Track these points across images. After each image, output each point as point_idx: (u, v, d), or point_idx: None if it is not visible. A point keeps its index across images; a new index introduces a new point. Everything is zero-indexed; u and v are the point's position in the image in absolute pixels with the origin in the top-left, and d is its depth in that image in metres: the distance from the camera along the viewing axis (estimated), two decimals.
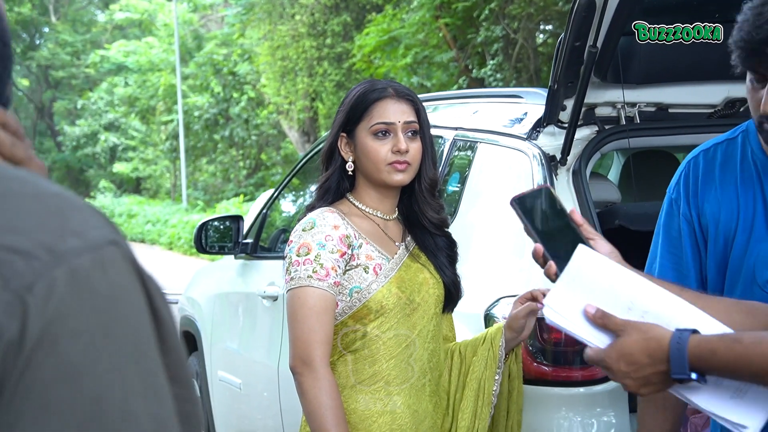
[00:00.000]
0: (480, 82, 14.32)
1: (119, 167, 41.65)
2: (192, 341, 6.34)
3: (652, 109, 3.72)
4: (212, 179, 35.13)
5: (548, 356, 3.21)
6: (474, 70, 14.80)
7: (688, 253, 2.45)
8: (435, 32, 15.04)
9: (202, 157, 34.90)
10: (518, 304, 3.08)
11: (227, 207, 27.50)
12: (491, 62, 14.45)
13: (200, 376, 6.08)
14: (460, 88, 14.34)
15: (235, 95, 32.85)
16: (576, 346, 3.20)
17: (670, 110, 3.77)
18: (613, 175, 5.43)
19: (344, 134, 3.06)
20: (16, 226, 1.01)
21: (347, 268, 2.96)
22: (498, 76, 14.33)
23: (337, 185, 3.09)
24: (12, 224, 1.01)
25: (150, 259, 26.36)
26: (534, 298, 3.05)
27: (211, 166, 34.49)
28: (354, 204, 3.08)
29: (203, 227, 5.57)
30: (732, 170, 2.39)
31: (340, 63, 21.89)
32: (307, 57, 22.99)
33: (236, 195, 31.12)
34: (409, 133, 3.01)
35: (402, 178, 3.01)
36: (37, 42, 55.82)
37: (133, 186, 43.10)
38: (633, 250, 3.73)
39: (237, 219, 5.59)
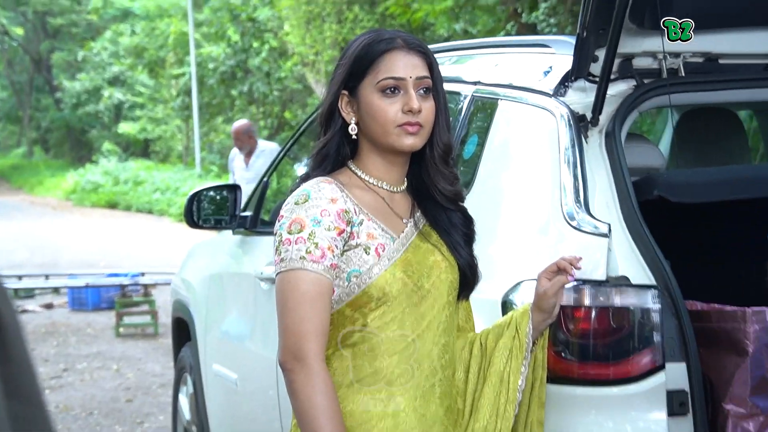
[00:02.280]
0: (531, 28, 14.20)
1: (125, 127, 41.89)
2: (185, 329, 6.33)
3: (700, 59, 3.63)
4: (229, 141, 35.17)
5: (574, 350, 3.16)
6: (524, 14, 14.70)
7: None
8: None
9: (217, 116, 35.03)
10: (544, 280, 3.09)
11: None
12: (544, 4, 14.34)
13: (194, 370, 6.08)
14: (508, 34, 14.24)
15: (255, 45, 32.86)
16: (607, 337, 3.18)
17: (720, 61, 3.68)
18: (665, 139, 5.34)
19: (346, 92, 3.00)
20: None
21: (345, 248, 2.91)
22: (552, 20, 14.21)
23: (336, 151, 3.02)
24: None
25: (158, 232, 26.53)
26: (561, 269, 3.06)
27: (228, 126, 34.56)
28: (356, 173, 3.03)
29: (195, 198, 5.53)
30: None
31: (373, 7, 21.85)
32: (336, 1, 22.99)
33: None
34: (422, 91, 2.95)
35: (413, 141, 2.95)
36: None
37: (140, 148, 43.34)
38: (675, 227, 3.69)
39: (234, 188, 5.55)
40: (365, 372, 2.93)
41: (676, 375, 3.12)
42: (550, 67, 3.70)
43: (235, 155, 12.80)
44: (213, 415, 5.79)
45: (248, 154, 12.46)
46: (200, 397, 5.97)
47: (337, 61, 3.10)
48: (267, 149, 12.58)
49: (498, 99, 3.86)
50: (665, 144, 5.16)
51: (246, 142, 12.55)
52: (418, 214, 3.08)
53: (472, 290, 3.14)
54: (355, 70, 2.99)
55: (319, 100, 24.50)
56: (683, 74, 3.59)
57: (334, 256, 2.88)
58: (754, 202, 3.51)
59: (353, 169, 3.04)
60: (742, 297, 3.48)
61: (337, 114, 3.02)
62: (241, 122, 12.96)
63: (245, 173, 12.09)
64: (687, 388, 3.11)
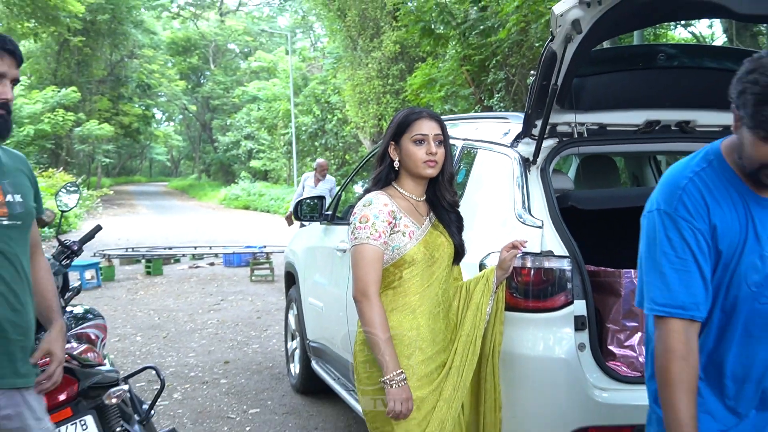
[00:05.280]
0: (489, 109, 14.12)
1: (254, 163, 41.81)
2: (292, 278, 6.32)
3: (596, 127, 3.56)
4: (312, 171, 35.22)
5: (520, 292, 3.11)
6: (485, 101, 14.65)
7: (704, 265, 2.02)
8: (460, 75, 14.83)
9: (307, 157, 34.99)
10: (504, 252, 3.08)
11: None
12: (497, 95, 14.27)
13: (297, 301, 6.06)
14: (476, 112, 14.20)
15: (329, 117, 32.86)
16: (540, 285, 3.15)
17: (608, 128, 3.59)
18: (572, 172, 5.31)
19: (393, 142, 3.01)
20: None
21: (391, 232, 2.90)
22: (501, 105, 14.14)
23: (386, 176, 3.02)
24: None
25: (272, 224, 26.57)
26: (515, 246, 3.06)
27: (312, 163, 34.56)
28: (397, 189, 3.01)
29: (299, 204, 5.53)
30: (724, 194, 2.03)
31: (398, 96, 21.78)
32: (376, 91, 22.91)
33: None
34: (437, 142, 2.97)
35: (432, 171, 2.97)
36: (201, 81, 56.30)
37: (262, 176, 43.26)
38: (580, 223, 3.67)
39: (321, 198, 5.53)
40: (400, 303, 2.93)
41: (579, 307, 3.08)
42: (509, 130, 3.64)
43: (308, 177, 12.32)
44: (308, 325, 5.74)
45: (318, 180, 12.33)
46: (300, 316, 5.93)
47: (389, 125, 3.09)
48: (329, 179, 12.50)
49: (477, 149, 3.83)
50: (571, 175, 5.11)
51: (322, 172, 12.45)
52: (431, 214, 3.06)
53: (461, 259, 3.12)
54: (399, 130, 3.01)
55: (365, 150, 24.56)
56: (585, 135, 3.51)
57: (385, 237, 2.90)
58: (629, 210, 3.46)
59: (396, 187, 3.04)
60: (621, 264, 3.44)
61: (387, 156, 3.03)
62: (323, 160, 12.83)
63: (313, 191, 11.97)
64: (586, 315, 3.07)
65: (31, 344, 2.59)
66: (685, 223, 2.00)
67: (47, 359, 2.65)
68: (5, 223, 2.48)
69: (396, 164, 3.00)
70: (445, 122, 3.10)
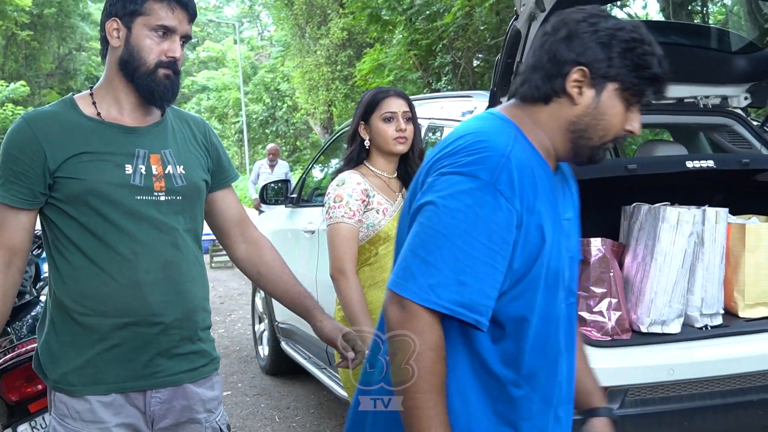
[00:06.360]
0: (437, 92, 14.16)
1: None
2: None
3: None
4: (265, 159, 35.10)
5: None
6: (433, 84, 14.67)
7: (505, 262, 1.45)
8: (408, 60, 14.84)
9: (258, 145, 34.72)
10: None
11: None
12: (444, 78, 14.29)
13: None
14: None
15: (279, 104, 32.62)
16: None
17: None
18: None
19: (362, 122, 2.98)
20: None
21: (365, 210, 2.89)
22: (449, 88, 14.18)
23: (357, 156, 3.00)
24: None
25: None
26: None
27: (264, 150, 34.39)
28: (369, 167, 2.99)
29: (265, 187, 5.50)
30: (540, 176, 1.51)
31: (347, 81, 21.66)
32: (325, 78, 22.74)
33: None
34: (405, 119, 2.95)
35: (402, 148, 2.95)
36: None
37: None
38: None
39: (286, 182, 5.51)
40: (376, 279, 2.91)
41: None
42: (475, 108, 3.64)
43: (262, 164, 12.04)
44: (277, 307, 5.67)
45: (273, 165, 12.16)
46: (268, 298, 5.85)
47: (357, 105, 3.09)
48: (283, 163, 12.30)
49: (444, 127, 3.82)
50: None
51: (275, 158, 12.26)
52: (404, 190, 3.03)
53: None
54: (368, 109, 2.99)
55: (316, 135, 24.07)
56: None
57: (360, 215, 2.88)
58: (592, 181, 3.49)
59: (368, 165, 3.02)
60: (588, 233, 3.42)
61: (358, 135, 3.01)
62: (274, 145, 12.61)
63: (270, 176, 11.73)
64: None
65: (192, 334, 2.15)
66: (505, 202, 1.43)
67: None
68: (162, 199, 2.08)
69: (366, 143, 2.98)
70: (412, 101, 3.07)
